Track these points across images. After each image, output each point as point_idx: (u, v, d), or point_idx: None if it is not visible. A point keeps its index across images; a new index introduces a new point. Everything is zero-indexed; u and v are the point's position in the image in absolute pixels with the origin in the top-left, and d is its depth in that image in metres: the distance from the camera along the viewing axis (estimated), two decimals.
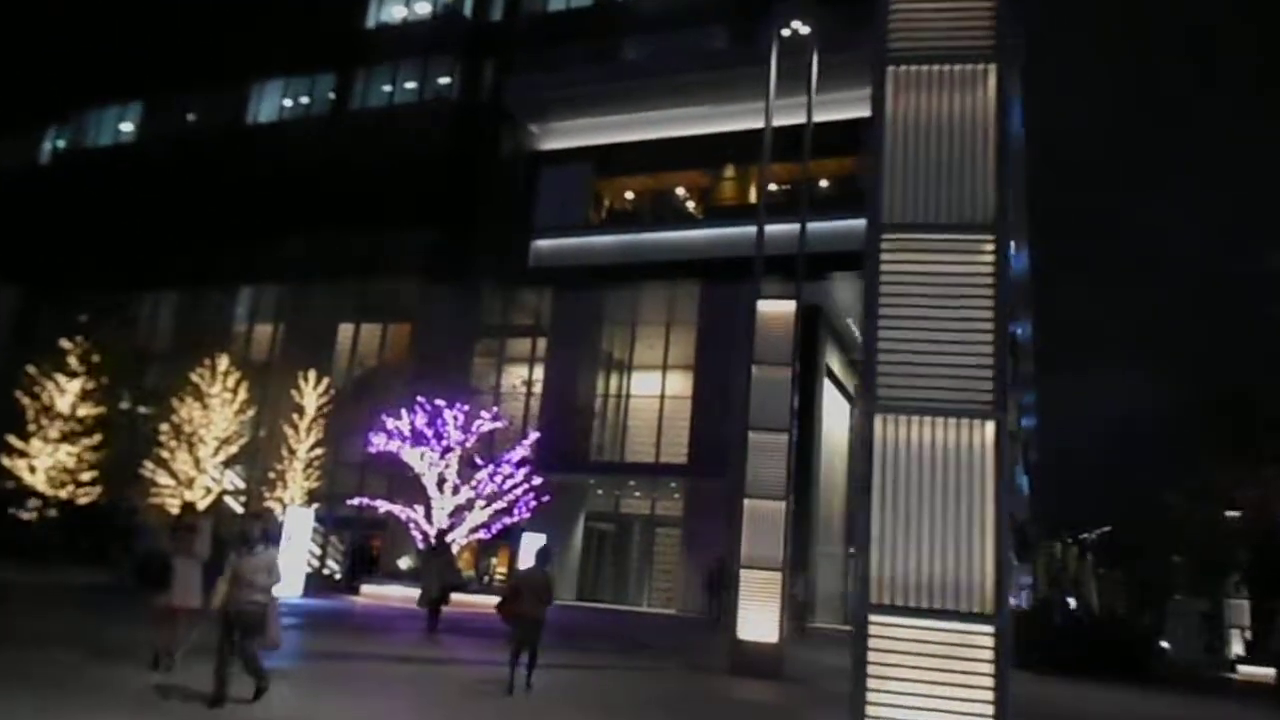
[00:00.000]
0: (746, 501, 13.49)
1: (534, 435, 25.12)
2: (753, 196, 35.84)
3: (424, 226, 37.72)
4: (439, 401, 24.05)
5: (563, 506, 30.34)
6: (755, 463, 13.14)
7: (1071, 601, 39.45)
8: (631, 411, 37.40)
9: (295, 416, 34.32)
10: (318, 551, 37.55)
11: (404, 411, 24.08)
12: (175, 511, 9.43)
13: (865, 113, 5.93)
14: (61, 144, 47.10)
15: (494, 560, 34.41)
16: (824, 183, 32.93)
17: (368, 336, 40.16)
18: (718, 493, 31.32)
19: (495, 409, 27.50)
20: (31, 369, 25.60)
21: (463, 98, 39.58)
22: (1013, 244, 34.34)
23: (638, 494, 35.70)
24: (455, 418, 23.77)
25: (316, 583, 28.99)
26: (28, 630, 11.84)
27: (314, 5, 42.11)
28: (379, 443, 23.81)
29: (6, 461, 25.16)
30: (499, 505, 24.29)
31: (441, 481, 24.11)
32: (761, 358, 14.01)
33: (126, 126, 46.00)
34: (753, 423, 13.85)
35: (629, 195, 38.49)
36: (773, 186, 35.58)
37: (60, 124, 47.13)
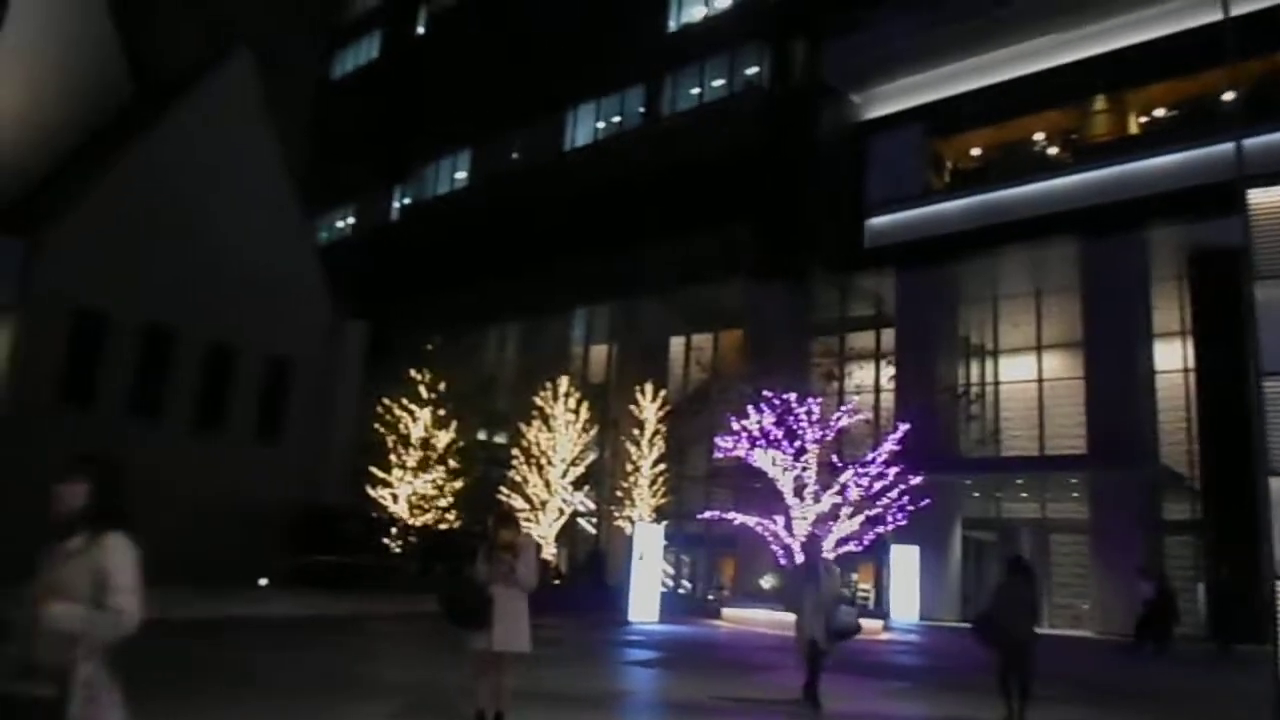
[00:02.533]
0: (1273, 482, 8.97)
1: (900, 429, 21.44)
2: (1133, 127, 29.89)
3: (746, 225, 35.44)
4: (789, 396, 21.24)
5: (934, 513, 26.31)
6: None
7: None
8: (1002, 400, 32.53)
9: (635, 433, 33.40)
10: (670, 572, 36.24)
11: (749, 411, 21.51)
12: (489, 527, 7.05)
13: None
14: (407, 200, 50.52)
15: (855, 577, 30.95)
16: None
17: (699, 347, 38.54)
18: (1130, 487, 25.86)
19: (847, 406, 24.25)
20: (386, 400, 26.15)
21: (774, 84, 37.08)
22: None
23: (1023, 494, 30.62)
24: (809, 413, 20.79)
25: (673, 605, 27.26)
26: (312, 669, 10.40)
27: (617, 24, 41.78)
28: (726, 446, 21.41)
29: (372, 492, 25.78)
30: (869, 512, 20.94)
31: (800, 488, 21.20)
32: (1267, 269, 9.46)
33: (460, 175, 48.36)
34: (1267, 366, 9.31)
35: (974, 152, 33.76)
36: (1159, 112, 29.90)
37: (404, 182, 50.62)
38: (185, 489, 20.07)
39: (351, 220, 54.33)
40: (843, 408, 22.06)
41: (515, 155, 45.62)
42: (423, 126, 49.57)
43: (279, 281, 22.66)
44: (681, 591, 34.84)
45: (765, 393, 21.54)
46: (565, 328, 41.72)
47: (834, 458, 22.06)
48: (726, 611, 22.24)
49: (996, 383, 32.67)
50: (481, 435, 41.15)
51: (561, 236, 40.28)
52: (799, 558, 21.32)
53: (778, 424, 21.31)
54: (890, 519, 21.00)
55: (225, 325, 21.61)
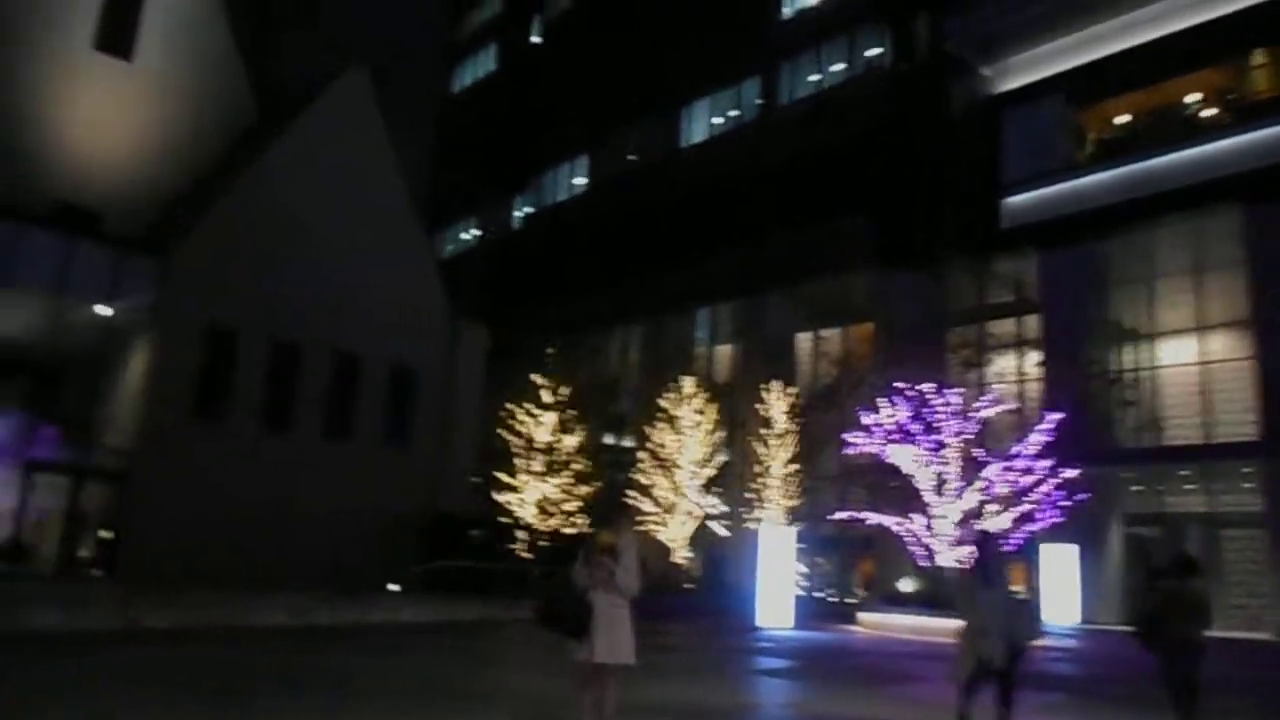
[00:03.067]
0: None
1: (1050, 419, 19.78)
2: None
3: (874, 213, 33.97)
4: (924, 388, 19.92)
5: (1091, 509, 24.31)
6: None
7: None
8: (1161, 386, 29.96)
9: (764, 432, 32.41)
10: (805, 575, 35.03)
11: (882, 406, 20.29)
12: (588, 530, 6.39)
13: None
14: (528, 208, 50.93)
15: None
16: None
17: (829, 343, 37.14)
18: None
19: (989, 396, 22.64)
20: (510, 405, 26.03)
21: (897, 63, 35.49)
22: None
23: (1188, 486, 28.07)
24: (948, 404, 19.43)
25: (808, 610, 26.15)
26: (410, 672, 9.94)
27: (730, 16, 40.99)
28: (857, 442, 20.26)
29: (499, 497, 25.67)
30: (1018, 509, 19.43)
31: (940, 484, 19.85)
32: None
33: (578, 180, 48.40)
34: None
35: (1120, 120, 31.29)
36: None
37: (524, 191, 51.06)
38: (316, 498, 20.37)
39: (475, 231, 55.18)
40: (985, 398, 20.54)
41: (631, 157, 45.29)
42: (541, 134, 49.93)
43: (400, 290, 22.82)
44: (817, 596, 33.62)
45: (899, 385, 20.27)
46: (688, 328, 41.05)
47: (977, 452, 20.57)
48: (863, 616, 20.98)
49: (1153, 367, 30.09)
50: (609, 439, 40.98)
51: (681, 235, 39.73)
52: (940, 559, 19.99)
53: (914, 418, 20.02)
54: (1042, 515, 19.40)
55: (349, 336, 21.87)
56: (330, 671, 10.10)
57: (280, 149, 21.64)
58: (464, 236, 55.82)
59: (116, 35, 23.79)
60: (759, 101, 40.19)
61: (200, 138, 23.89)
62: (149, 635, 11.94)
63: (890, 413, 20.19)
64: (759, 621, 18.18)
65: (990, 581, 7.75)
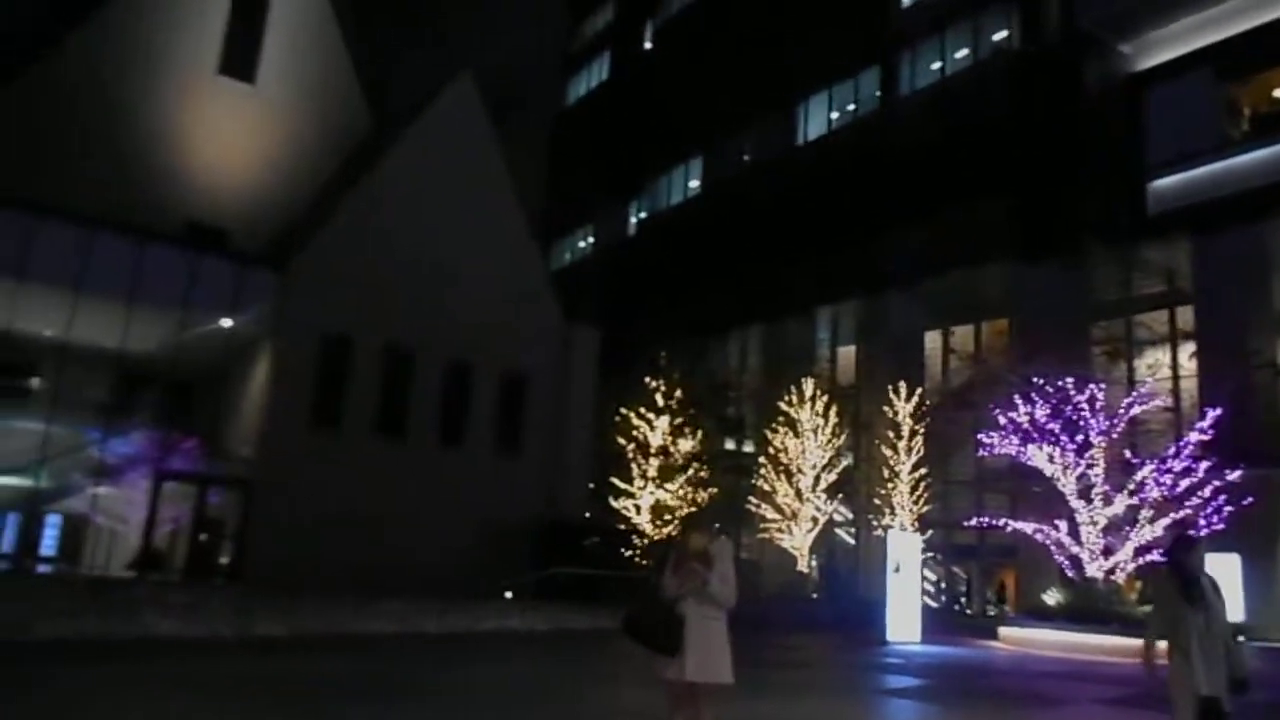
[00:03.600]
0: None
1: (1209, 416, 17.91)
2: None
3: (1006, 202, 32.11)
4: (1066, 382, 18.39)
5: (1258, 514, 22.04)
6: None
7: None
8: None
9: (891, 436, 31.11)
10: (941, 586, 33.37)
11: (1020, 404, 18.85)
12: (672, 532, 5.63)
13: None
14: (643, 214, 50.67)
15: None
16: None
17: (960, 340, 35.33)
18: None
19: (1140, 391, 20.77)
20: (625, 410, 25.60)
21: (1026, 45, 33.52)
22: None
23: None
24: (1092, 400, 17.85)
25: (943, 623, 24.69)
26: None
27: (846, 7, 39.74)
28: (993, 443, 18.89)
29: (615, 503, 25.24)
30: (1174, 515, 17.68)
31: (1087, 488, 18.27)
32: None
33: (693, 183, 47.82)
34: None
35: (1278, 93, 28.63)
36: None
37: (639, 197, 50.84)
38: (429, 505, 20.36)
39: (591, 240, 55.32)
40: (1134, 393, 18.83)
41: (746, 157, 44.42)
42: (655, 139, 49.60)
43: (510, 296, 22.71)
44: (956, 608, 31.92)
45: (1037, 380, 18.79)
46: (809, 329, 39.83)
47: (1127, 452, 18.88)
48: (1004, 631, 19.47)
49: None
50: (730, 445, 40.19)
51: (800, 234, 38.62)
52: (1089, 569, 18.38)
53: (1053, 416, 18.51)
54: (1203, 522, 17.55)
55: (461, 343, 21.85)
56: (428, 681, 9.73)
57: (391, 160, 21.86)
58: (581, 245, 56.03)
59: (239, 60, 24.66)
60: (878, 93, 38.73)
61: (319, 154, 24.47)
62: (259, 643, 11.90)
63: (1028, 411, 18.69)
64: (890, 635, 17.03)
65: (1200, 599, 5.96)
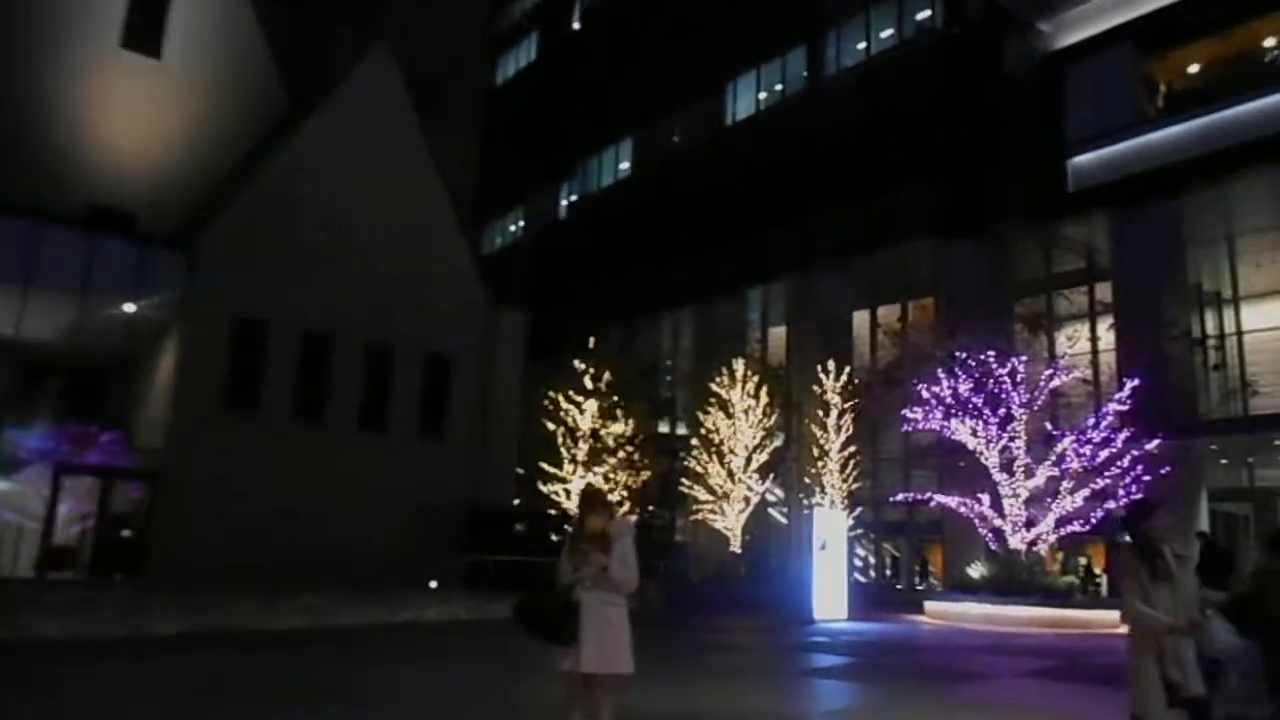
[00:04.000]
0: None
1: (1128, 386, 18.17)
2: None
3: (930, 183, 32.36)
4: (988, 357, 18.51)
5: (1174, 485, 22.55)
6: None
7: None
8: (1247, 352, 27.93)
9: (821, 414, 31.26)
10: (866, 562, 33.74)
11: (944, 379, 18.93)
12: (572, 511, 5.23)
13: None
14: (574, 197, 50.12)
15: (1083, 562, 27.34)
16: None
17: (885, 320, 35.64)
18: None
19: (1058, 363, 21.02)
20: (554, 394, 25.19)
21: (949, 26, 33.76)
22: None
23: None
24: (1014, 374, 18.00)
25: (872, 600, 24.88)
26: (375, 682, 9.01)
27: None
28: (915, 418, 18.96)
29: (544, 488, 24.85)
30: (1094, 485, 17.94)
31: (1009, 461, 18.44)
32: None
33: (624, 165, 47.41)
34: None
35: (1192, 69, 29.27)
36: None
37: (570, 179, 50.26)
38: (351, 492, 19.75)
39: (521, 224, 54.60)
40: (1054, 365, 19.05)
41: (676, 138, 44.16)
42: (585, 121, 49.04)
43: (433, 277, 22.10)
44: (886, 584, 32.30)
45: (959, 354, 18.89)
46: (740, 311, 39.82)
47: (1047, 425, 19.12)
48: (930, 606, 19.63)
49: (1239, 333, 28.07)
50: (664, 428, 40.05)
51: (729, 216, 38.52)
52: (1011, 542, 18.58)
53: (976, 390, 18.64)
54: (1122, 492, 17.83)
55: (381, 324, 21.21)
56: (326, 680, 9.28)
57: (305, 134, 21.05)
58: (512, 229, 55.27)
59: (144, 33, 23.50)
60: (805, 74, 38.71)
61: (232, 132, 23.49)
62: (155, 642, 11.30)
63: (951, 385, 18.78)
64: (816, 614, 16.98)
65: (1157, 570, 5.18)
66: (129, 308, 19.27)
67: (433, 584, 19.52)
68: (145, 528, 18.36)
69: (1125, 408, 18.25)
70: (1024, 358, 19.03)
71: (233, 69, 24.12)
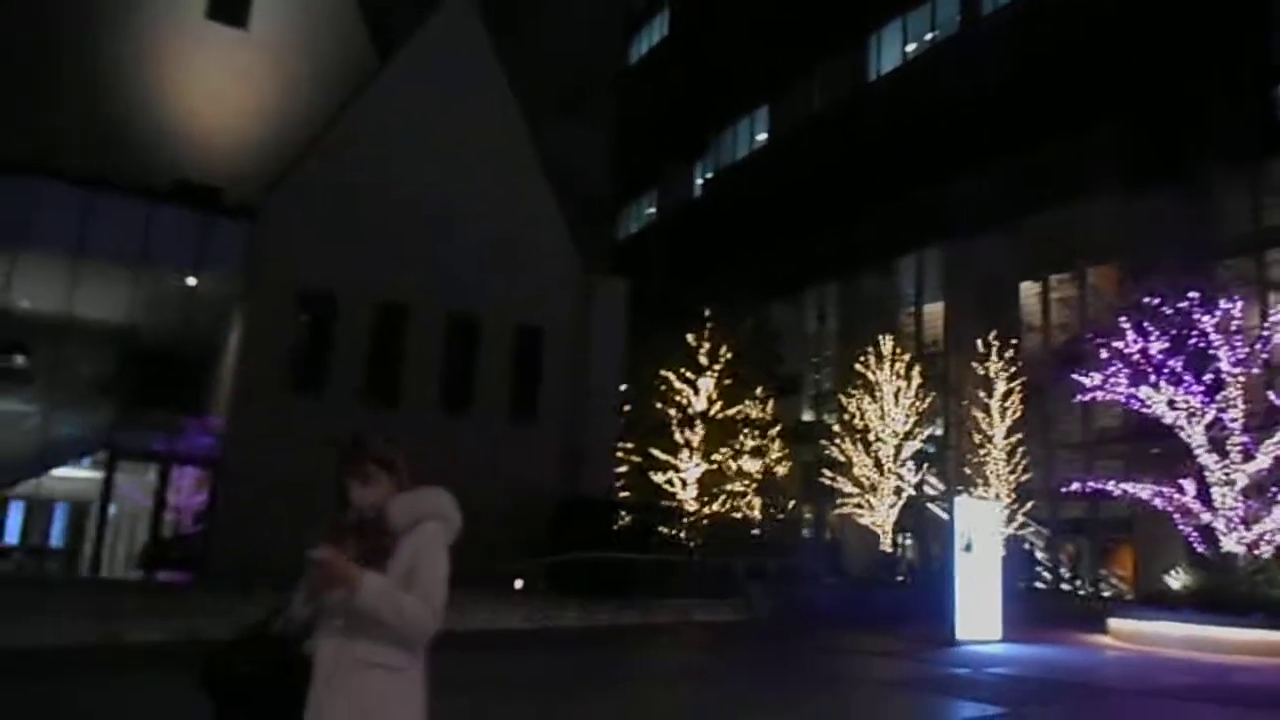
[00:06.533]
0: None
1: None
2: None
3: (1107, 125, 27.84)
4: (1188, 303, 14.52)
5: None
6: None
7: None
8: None
9: (983, 397, 27.37)
10: (1043, 565, 29.35)
11: (1130, 334, 15.05)
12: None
13: None
14: (709, 174, 47.33)
15: None
16: None
17: (1061, 291, 31.03)
18: None
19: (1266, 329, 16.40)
20: (665, 373, 22.47)
21: None
22: None
23: None
24: (1226, 324, 13.99)
25: (1043, 610, 20.88)
26: None
27: None
28: (1091, 384, 15.18)
29: (657, 477, 22.14)
30: None
31: (1220, 439, 14.42)
32: None
33: (760, 137, 44.24)
34: None
35: None
36: None
37: (705, 156, 47.50)
38: (430, 480, 17.68)
39: (655, 208, 52.29)
40: (1276, 310, 14.83)
41: (815, 101, 40.62)
42: (719, 94, 46.18)
43: (523, 244, 19.87)
44: (1065, 589, 27.91)
45: (1150, 301, 14.93)
46: (890, 284, 35.96)
47: (1270, 393, 14.88)
48: (1115, 624, 15.39)
49: None
50: (808, 416, 36.71)
51: (876, 179, 34.90)
52: (1225, 543, 14.54)
53: (1173, 350, 14.66)
54: None
55: (464, 295, 19.11)
56: None
57: (378, 88, 19.21)
58: (649, 212, 53.00)
59: (229, 3, 22.55)
60: (958, 16, 34.54)
61: (324, 100, 22.06)
62: (122, 651, 9.37)
63: (1138, 343, 14.85)
64: (960, 633, 13.49)
65: None
66: (191, 282, 17.96)
67: (518, 584, 17.23)
68: (203, 520, 16.90)
69: None
70: (1239, 300, 14.79)
71: (322, 34, 22.79)
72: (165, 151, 20.96)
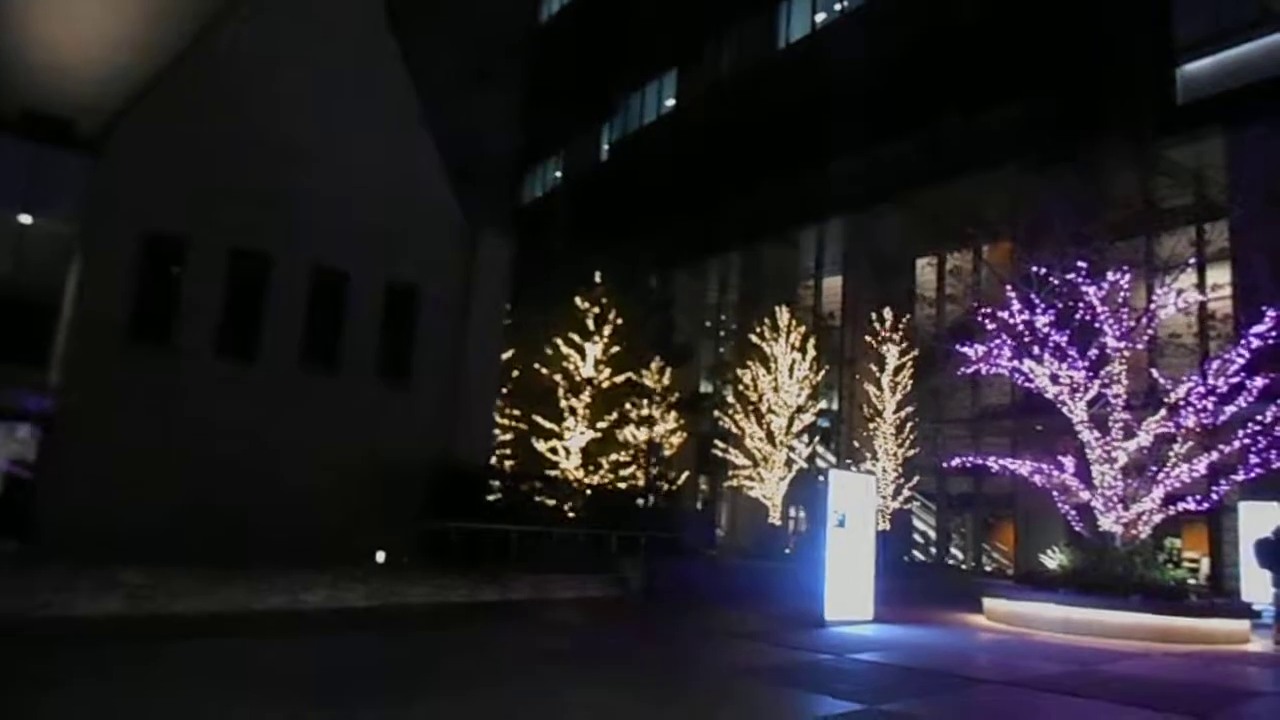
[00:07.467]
0: None
1: (1269, 318, 13.59)
2: None
3: (1006, 103, 27.86)
4: (1074, 275, 14.27)
5: None
6: None
7: None
8: None
9: (875, 371, 27.30)
10: (926, 539, 29.63)
11: (1015, 306, 14.76)
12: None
13: None
14: (617, 138, 46.26)
15: (1176, 544, 22.82)
16: None
17: (956, 264, 31.09)
18: None
19: (1165, 288, 16.28)
20: (556, 338, 21.53)
21: None
22: None
23: None
24: (1113, 297, 13.75)
25: (925, 585, 20.82)
26: None
27: None
28: (973, 356, 14.87)
29: (540, 445, 21.27)
30: (1215, 452, 13.64)
31: (1102, 416, 14.25)
32: None
33: (668, 102, 43.32)
34: None
35: None
36: None
37: (611, 119, 46.39)
38: (291, 443, 16.45)
39: (559, 173, 51.02)
40: (1162, 290, 14.68)
41: (723, 66, 39.88)
42: (628, 56, 45.05)
43: (399, 199, 18.59)
44: (950, 569, 28.16)
45: (1036, 271, 14.64)
46: (790, 256, 35.69)
47: (1154, 371, 14.78)
48: (990, 605, 15.17)
49: None
50: (706, 387, 36.28)
51: (781, 148, 34.45)
52: (1103, 522, 14.41)
53: (1059, 324, 14.41)
54: (1251, 460, 13.44)
55: (333, 247, 17.78)
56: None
57: (248, 19, 17.60)
58: (555, 175, 51.68)
59: None
60: None
61: (196, 27, 20.24)
62: None
63: (1023, 315, 14.55)
64: (829, 613, 12.67)
65: None
66: (24, 219, 16.21)
67: (380, 556, 16.16)
68: (33, 484, 15.32)
69: (1255, 345, 13.69)
70: (1127, 271, 14.59)
71: None
72: (15, 78, 18.94)
